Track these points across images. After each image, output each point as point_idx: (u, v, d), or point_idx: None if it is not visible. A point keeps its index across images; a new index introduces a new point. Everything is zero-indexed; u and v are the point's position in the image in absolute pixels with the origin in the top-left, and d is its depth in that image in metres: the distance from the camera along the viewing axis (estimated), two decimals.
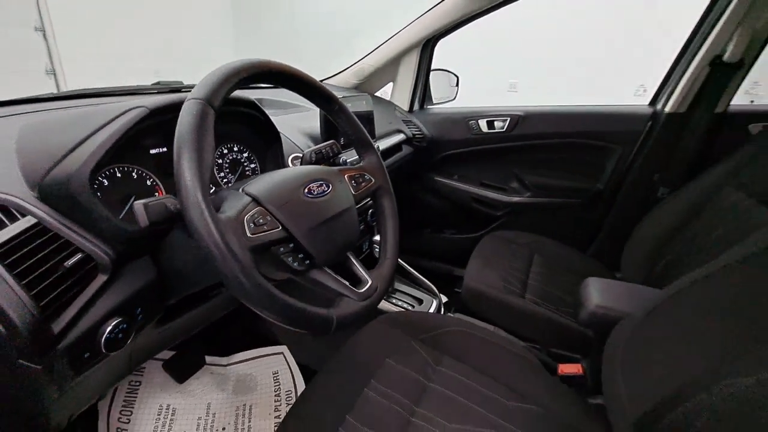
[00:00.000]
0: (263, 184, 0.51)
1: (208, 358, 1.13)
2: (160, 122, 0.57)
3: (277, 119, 0.78)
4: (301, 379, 1.13)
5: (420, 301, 1.21)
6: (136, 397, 0.99)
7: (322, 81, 0.85)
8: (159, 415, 0.98)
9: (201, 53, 4.01)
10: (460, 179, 1.55)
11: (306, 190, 0.53)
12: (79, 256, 0.47)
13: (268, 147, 0.79)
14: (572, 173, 1.41)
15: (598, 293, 0.76)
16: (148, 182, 0.61)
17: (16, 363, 0.44)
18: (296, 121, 0.97)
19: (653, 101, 1.30)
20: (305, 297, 0.49)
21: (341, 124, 0.65)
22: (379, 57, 1.44)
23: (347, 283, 0.55)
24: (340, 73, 1.51)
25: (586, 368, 0.80)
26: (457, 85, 1.54)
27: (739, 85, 1.16)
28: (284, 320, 0.44)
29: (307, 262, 0.52)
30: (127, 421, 0.94)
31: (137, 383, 1.01)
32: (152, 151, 0.62)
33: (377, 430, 0.60)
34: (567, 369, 0.79)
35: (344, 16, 4.40)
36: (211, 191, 0.51)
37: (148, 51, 3.86)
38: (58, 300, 0.45)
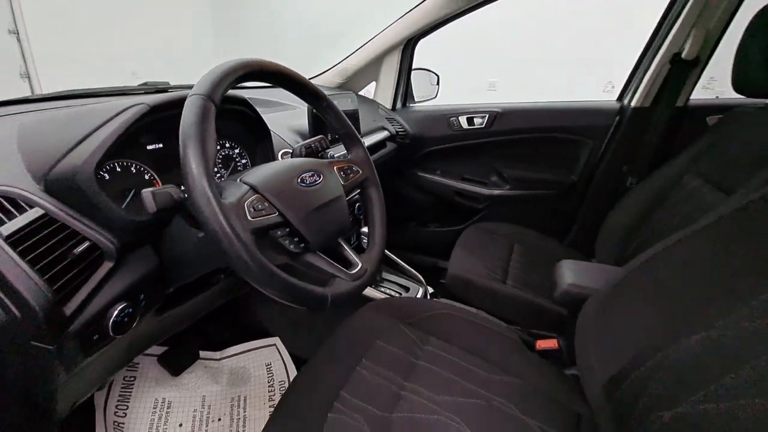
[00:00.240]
0: (260, 174, 0.55)
1: (202, 353, 1.15)
2: (156, 120, 0.60)
3: (267, 117, 0.82)
4: (294, 369, 1.16)
5: (407, 289, 1.26)
6: (131, 391, 1.01)
7: None
8: (155, 408, 1.00)
9: (179, 55, 3.97)
10: (443, 174, 1.61)
11: (299, 180, 0.57)
12: (86, 244, 0.50)
13: (258, 143, 0.82)
14: (548, 166, 1.49)
15: (570, 273, 0.82)
16: (146, 176, 0.64)
17: (28, 345, 0.46)
18: (285, 119, 1.00)
19: (620, 97, 1.39)
20: (302, 280, 0.53)
21: (330, 120, 0.69)
22: (361, 57, 1.49)
23: (340, 266, 0.59)
24: (323, 73, 1.55)
25: (562, 343, 0.86)
26: (438, 83, 1.60)
27: (696, 80, 1.25)
28: (284, 296, 0.48)
29: (303, 245, 0.56)
30: (123, 414, 0.96)
31: (132, 378, 1.03)
32: (149, 148, 0.65)
33: (370, 403, 0.65)
34: (544, 344, 0.85)
35: (325, 18, 4.43)
36: None
37: (124, 53, 3.81)
38: (69, 285, 0.48)
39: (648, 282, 0.66)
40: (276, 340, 1.20)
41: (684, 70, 1.21)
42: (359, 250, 1.22)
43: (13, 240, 0.45)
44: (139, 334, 0.66)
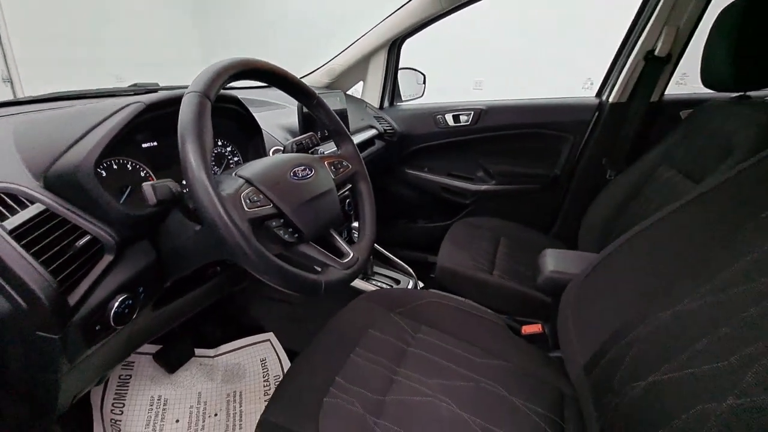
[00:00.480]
0: (254, 168, 0.58)
1: (197, 351, 1.16)
2: (151, 118, 0.62)
3: (257, 115, 0.84)
4: (289, 363, 1.18)
5: (397, 282, 1.29)
6: (127, 390, 1.01)
7: None
8: (151, 405, 1.01)
9: (163, 59, 3.95)
10: (430, 171, 1.65)
11: (292, 174, 0.60)
12: (87, 237, 0.52)
13: (250, 140, 0.85)
14: (531, 161, 1.54)
15: (552, 260, 0.87)
16: (142, 173, 0.66)
17: (33, 336, 0.48)
18: (275, 118, 1.03)
19: (599, 93, 1.44)
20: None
21: (320, 117, 0.72)
22: (348, 57, 1.52)
23: (332, 256, 0.62)
24: (311, 73, 1.57)
25: (546, 328, 0.91)
26: (424, 82, 1.64)
27: (670, 76, 1.31)
28: (280, 282, 0.51)
29: (296, 235, 0.58)
30: (120, 412, 0.97)
31: (127, 377, 1.04)
32: (144, 146, 0.67)
33: (364, 387, 0.67)
34: (529, 329, 0.89)
35: (306, 22, 4.45)
36: None
37: (107, 58, 3.77)
38: (71, 277, 0.50)
39: (622, 265, 0.70)
40: (270, 335, 1.22)
41: (657, 66, 1.27)
42: (350, 244, 1.24)
43: (17, 234, 0.47)
44: (137, 328, 0.68)
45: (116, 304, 0.54)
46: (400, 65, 1.59)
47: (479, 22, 3.42)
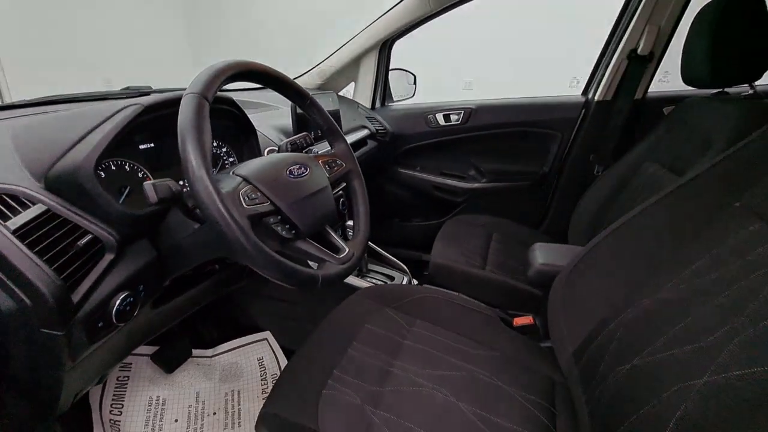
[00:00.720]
0: (251, 166, 0.59)
1: (194, 351, 1.17)
2: (148, 120, 0.63)
3: (252, 117, 0.85)
4: (286, 361, 1.20)
5: (392, 279, 1.31)
6: (125, 391, 1.02)
7: None
8: (150, 405, 1.02)
9: (152, 61, 3.93)
10: (422, 170, 1.67)
11: (288, 172, 0.62)
12: (88, 237, 0.54)
13: (245, 141, 0.86)
14: (521, 159, 1.57)
15: (542, 254, 0.89)
16: (140, 174, 0.67)
17: (37, 333, 0.49)
18: (268, 119, 1.04)
19: (585, 91, 1.48)
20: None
21: (314, 117, 0.74)
22: (339, 59, 1.54)
23: (328, 251, 0.64)
24: (303, 75, 1.59)
25: (537, 320, 0.93)
26: (415, 83, 1.66)
27: (653, 75, 1.35)
28: (278, 276, 0.52)
29: (293, 232, 0.60)
30: (119, 413, 0.97)
31: (125, 378, 1.04)
32: (141, 147, 0.68)
33: (361, 379, 0.69)
34: (521, 321, 0.92)
35: (295, 24, 4.46)
36: None
37: (95, 61, 3.74)
38: (74, 275, 0.51)
39: (607, 255, 0.73)
40: (267, 334, 1.23)
41: (640, 65, 1.31)
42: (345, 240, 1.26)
43: (21, 233, 0.48)
44: (137, 326, 0.69)
45: (118, 302, 0.55)
46: (391, 66, 1.61)
47: (467, 23, 3.47)
